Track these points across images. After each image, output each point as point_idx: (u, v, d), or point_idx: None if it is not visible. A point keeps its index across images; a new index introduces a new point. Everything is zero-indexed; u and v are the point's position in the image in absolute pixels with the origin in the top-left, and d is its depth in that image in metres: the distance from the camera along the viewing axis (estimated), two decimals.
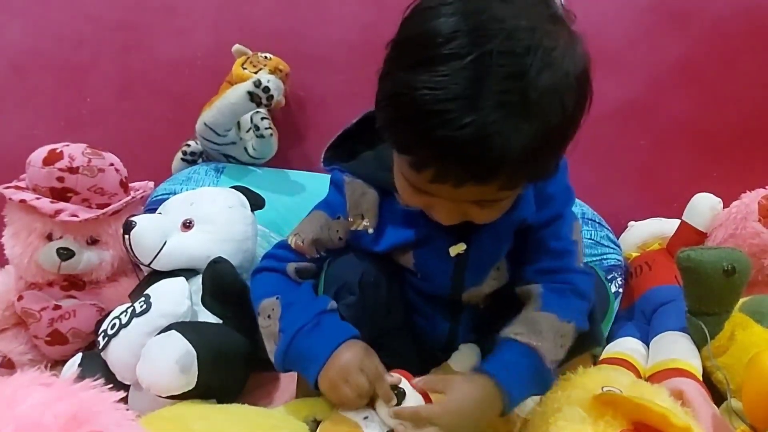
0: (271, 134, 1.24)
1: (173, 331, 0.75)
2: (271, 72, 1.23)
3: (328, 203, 0.76)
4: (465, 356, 0.79)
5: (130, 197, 1.04)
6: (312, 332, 0.68)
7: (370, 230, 0.72)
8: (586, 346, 0.79)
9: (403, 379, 0.68)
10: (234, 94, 1.15)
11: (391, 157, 0.66)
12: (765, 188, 1.16)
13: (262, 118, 1.23)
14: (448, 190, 0.56)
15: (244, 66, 1.26)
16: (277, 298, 0.72)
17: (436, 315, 0.80)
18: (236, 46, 1.31)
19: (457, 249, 0.70)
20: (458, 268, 0.73)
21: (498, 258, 0.74)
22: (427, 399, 0.67)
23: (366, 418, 0.66)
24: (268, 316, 0.72)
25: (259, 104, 1.14)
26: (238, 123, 1.25)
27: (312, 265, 0.76)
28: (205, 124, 1.19)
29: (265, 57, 1.28)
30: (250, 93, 1.13)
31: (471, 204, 0.60)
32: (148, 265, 0.92)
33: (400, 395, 0.65)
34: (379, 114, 0.58)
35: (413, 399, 0.66)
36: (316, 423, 0.70)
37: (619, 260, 1.18)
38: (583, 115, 0.57)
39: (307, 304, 0.71)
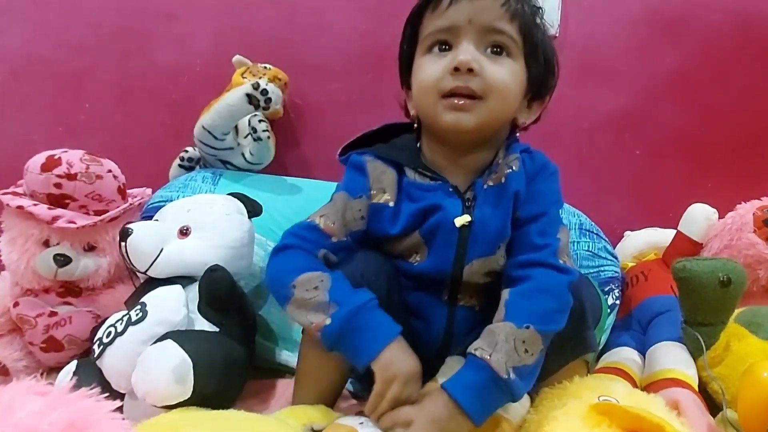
0: (269, 137, 1.24)
1: (169, 341, 0.75)
2: (270, 81, 1.24)
3: (347, 185, 0.80)
4: (452, 370, 0.78)
5: (127, 204, 1.05)
6: (375, 310, 0.70)
7: (391, 203, 0.78)
8: (577, 351, 0.80)
9: None
10: (232, 97, 1.15)
11: (404, 144, 0.82)
12: (760, 199, 1.17)
13: (260, 121, 1.24)
14: (464, 12, 0.71)
15: (244, 75, 1.27)
16: (323, 272, 0.72)
17: (431, 317, 0.81)
18: (236, 57, 1.32)
19: (462, 220, 0.76)
20: (462, 240, 0.77)
21: (501, 235, 0.77)
22: None
23: (362, 423, 0.68)
24: (315, 287, 0.71)
25: (257, 107, 1.14)
26: (236, 128, 1.26)
27: (335, 257, 0.77)
28: (203, 127, 1.19)
29: (264, 67, 1.29)
30: (248, 95, 1.13)
31: (485, 54, 0.72)
32: (145, 273, 0.92)
33: None
34: None
35: None
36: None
37: (616, 272, 1.18)
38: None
39: (356, 289, 0.72)
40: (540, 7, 0.78)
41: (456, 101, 0.72)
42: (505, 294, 0.73)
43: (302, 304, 0.71)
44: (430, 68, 0.74)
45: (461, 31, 0.73)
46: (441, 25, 0.74)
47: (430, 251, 0.78)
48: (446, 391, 0.66)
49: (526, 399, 0.80)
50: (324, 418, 0.72)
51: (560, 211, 0.81)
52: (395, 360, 0.67)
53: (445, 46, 0.74)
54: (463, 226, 0.76)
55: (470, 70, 0.71)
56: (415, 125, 0.83)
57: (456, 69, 0.71)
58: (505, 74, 0.73)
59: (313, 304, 0.70)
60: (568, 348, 0.76)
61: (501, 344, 0.67)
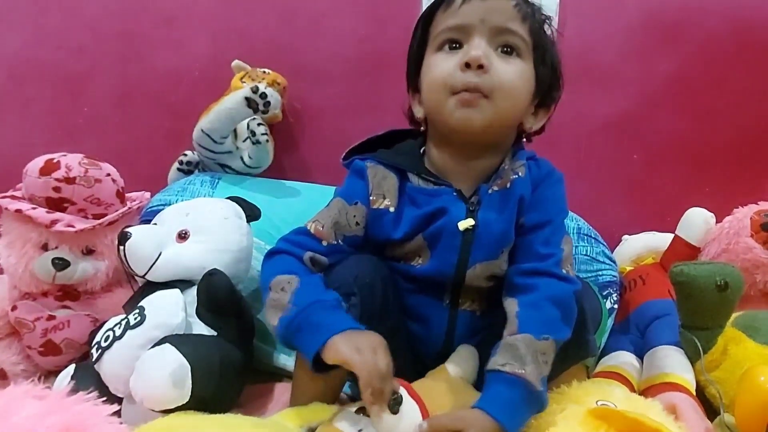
0: (267, 140, 1.25)
1: (167, 345, 0.75)
2: (269, 85, 1.24)
3: (345, 191, 0.81)
4: (462, 359, 0.78)
5: (126, 208, 1.04)
6: (331, 309, 0.68)
7: (392, 209, 0.78)
8: (579, 355, 0.80)
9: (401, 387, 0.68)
10: (231, 100, 1.16)
11: (407, 149, 0.82)
12: (757, 203, 1.18)
13: (259, 124, 1.24)
14: (477, 11, 0.73)
15: (243, 80, 1.27)
16: (296, 275, 0.72)
17: (432, 321, 0.81)
18: (236, 62, 1.32)
19: (465, 224, 0.76)
20: (465, 244, 0.77)
21: (505, 239, 0.78)
22: (422, 406, 0.67)
23: (360, 430, 0.66)
24: (282, 289, 0.71)
25: (255, 110, 1.15)
26: (235, 132, 1.26)
27: (325, 259, 0.77)
28: (202, 130, 1.20)
29: (263, 71, 1.29)
30: (247, 98, 1.14)
31: (496, 52, 0.73)
32: (143, 276, 0.92)
33: (398, 400, 0.65)
34: None
35: (409, 406, 0.66)
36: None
37: (614, 276, 1.18)
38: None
39: (325, 289, 0.72)
40: (550, 17, 0.79)
41: (465, 95, 0.72)
42: (513, 305, 0.73)
43: (270, 305, 0.72)
44: (440, 65, 0.75)
45: (473, 30, 0.73)
46: (453, 24, 0.74)
47: (432, 254, 0.78)
48: (484, 411, 0.64)
49: None
50: (321, 414, 0.72)
51: (565, 218, 0.81)
52: (346, 340, 0.64)
53: (456, 44, 0.75)
54: (466, 229, 0.76)
55: (480, 67, 0.71)
56: (422, 128, 0.83)
57: (467, 65, 0.72)
58: (514, 73, 0.74)
59: (276, 306, 0.71)
60: (569, 352, 0.75)
61: (526, 358, 0.67)
